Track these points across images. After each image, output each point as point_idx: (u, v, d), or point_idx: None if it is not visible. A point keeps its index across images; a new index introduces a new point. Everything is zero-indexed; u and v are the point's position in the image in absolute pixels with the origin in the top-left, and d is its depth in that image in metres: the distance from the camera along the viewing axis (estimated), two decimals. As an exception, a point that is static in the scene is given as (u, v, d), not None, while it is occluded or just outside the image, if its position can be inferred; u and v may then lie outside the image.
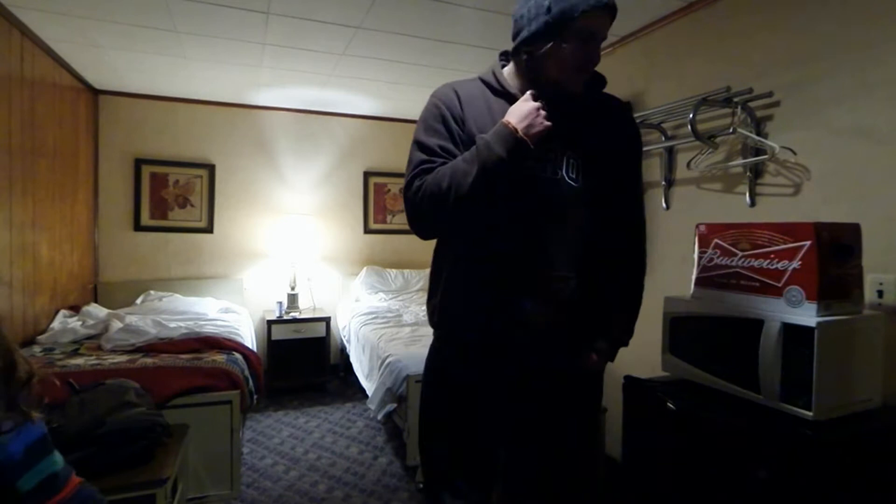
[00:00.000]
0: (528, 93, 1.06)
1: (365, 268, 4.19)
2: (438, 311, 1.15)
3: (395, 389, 2.56)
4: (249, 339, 3.27)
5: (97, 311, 3.12)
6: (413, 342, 3.02)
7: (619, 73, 2.54)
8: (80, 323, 2.93)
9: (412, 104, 3.86)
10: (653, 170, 2.38)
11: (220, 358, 2.52)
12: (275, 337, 3.70)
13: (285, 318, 3.76)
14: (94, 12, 2.33)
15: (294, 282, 3.93)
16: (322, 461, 2.67)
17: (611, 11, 1.05)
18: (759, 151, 1.84)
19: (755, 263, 1.41)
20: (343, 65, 3.02)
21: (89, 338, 2.82)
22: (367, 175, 4.37)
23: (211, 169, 3.90)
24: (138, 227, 3.74)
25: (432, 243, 1.22)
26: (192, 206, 3.87)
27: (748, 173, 1.89)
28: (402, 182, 1.35)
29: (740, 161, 1.91)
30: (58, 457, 0.87)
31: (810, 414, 1.22)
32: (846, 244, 1.33)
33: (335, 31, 2.52)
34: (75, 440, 1.55)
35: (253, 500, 2.29)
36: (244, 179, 4.02)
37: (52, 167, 2.88)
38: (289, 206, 4.12)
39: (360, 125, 4.33)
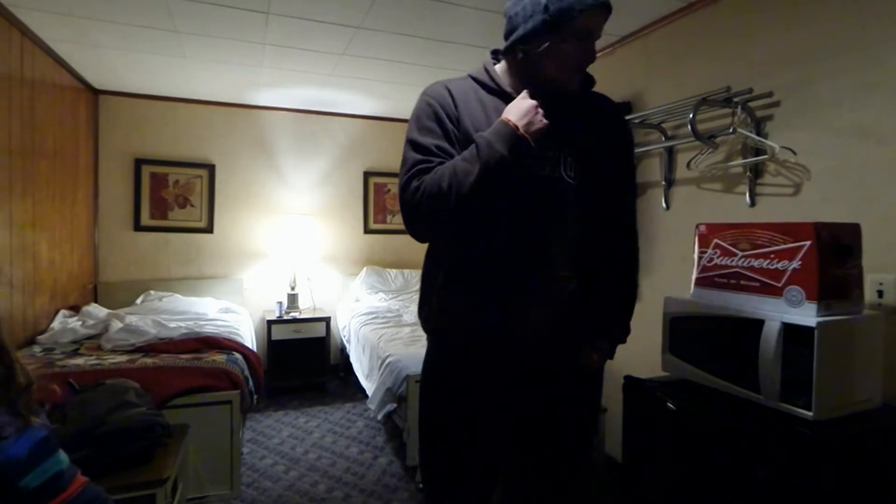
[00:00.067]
0: (525, 92, 1.06)
1: (365, 268, 4.19)
2: (436, 313, 1.13)
3: (395, 389, 2.56)
4: (249, 339, 3.27)
5: (97, 311, 3.12)
6: (413, 342, 3.02)
7: (619, 73, 2.54)
8: (80, 323, 2.93)
9: (412, 104, 3.77)
10: (653, 170, 2.39)
11: (220, 358, 2.52)
12: (275, 337, 3.69)
13: (285, 318, 3.75)
14: (94, 12, 2.33)
15: (294, 282, 3.94)
16: (322, 461, 2.67)
17: (607, 10, 1.05)
18: (759, 151, 1.84)
19: (755, 263, 1.41)
20: (343, 65, 3.02)
21: (89, 338, 2.82)
22: (367, 175, 4.37)
23: (211, 169, 3.90)
24: (138, 227, 3.74)
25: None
26: (192, 206, 3.87)
27: (748, 173, 1.89)
28: (402, 182, 1.33)
29: (740, 161, 1.91)
30: (63, 456, 0.87)
31: (810, 414, 1.22)
32: (846, 244, 1.33)
33: (335, 31, 2.52)
34: (75, 440, 1.55)
35: (253, 500, 2.29)
36: (244, 179, 4.02)
37: (52, 167, 2.88)
38: (289, 206, 4.12)
39: (360, 125, 4.33)
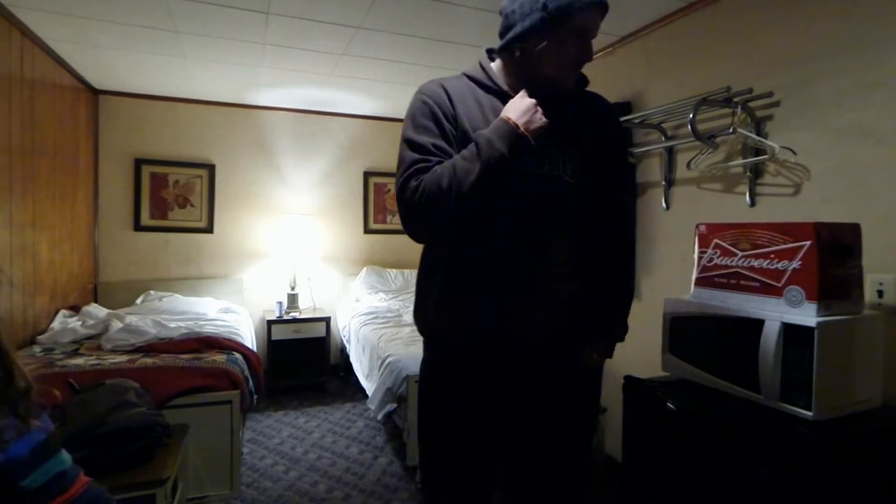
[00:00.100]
0: (523, 91, 1.06)
1: (365, 268, 4.19)
2: (435, 315, 1.12)
3: (395, 389, 2.56)
4: (249, 339, 3.27)
5: (97, 311, 3.12)
6: (413, 342, 3.02)
7: (619, 73, 2.54)
8: (80, 323, 2.93)
9: (412, 104, 3.85)
10: (653, 170, 2.39)
11: (220, 358, 2.52)
12: (275, 337, 3.69)
13: (285, 318, 3.75)
14: (94, 12, 2.33)
15: (294, 282, 3.94)
16: (322, 461, 2.67)
17: (604, 9, 1.05)
18: (759, 151, 1.84)
19: (755, 263, 1.41)
20: (343, 65, 3.02)
21: (89, 338, 2.82)
22: (367, 175, 4.37)
23: (211, 169, 3.90)
24: (138, 227, 3.74)
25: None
26: (192, 206, 3.87)
27: (748, 173, 1.89)
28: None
29: (740, 161, 1.91)
30: (65, 456, 0.87)
31: (810, 414, 1.22)
32: (846, 244, 1.33)
33: (335, 31, 2.52)
34: (75, 440, 1.55)
35: (253, 500, 2.29)
36: (244, 179, 4.02)
37: (52, 167, 2.88)
38: (289, 206, 4.12)
39: (360, 125, 4.33)
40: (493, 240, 1.07)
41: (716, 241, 1.53)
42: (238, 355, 2.68)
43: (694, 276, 1.61)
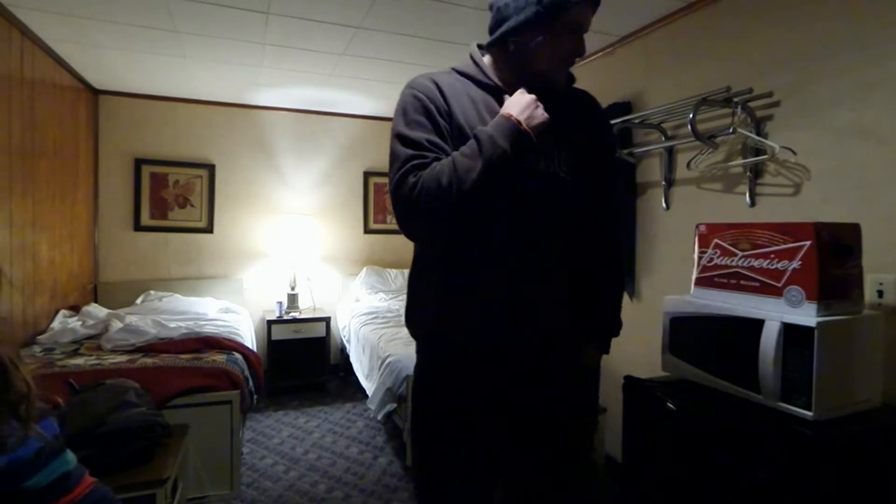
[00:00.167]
0: (522, 88, 1.05)
1: (365, 268, 4.19)
2: (433, 316, 1.11)
3: (395, 389, 2.56)
4: (249, 339, 3.27)
5: (97, 311, 3.12)
6: (413, 342, 3.02)
7: (619, 73, 2.54)
8: (80, 323, 2.93)
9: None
10: (653, 170, 2.39)
11: (220, 358, 2.52)
12: (275, 337, 3.69)
13: (285, 318, 3.76)
14: (94, 12, 2.33)
15: (294, 282, 3.94)
16: (322, 461, 2.67)
17: (596, 3, 1.05)
18: (759, 151, 1.84)
19: (755, 263, 1.41)
20: (343, 65, 3.02)
21: (89, 338, 2.82)
22: (367, 175, 4.37)
23: (211, 169, 3.90)
24: (138, 227, 3.74)
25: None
26: (192, 206, 3.87)
27: (748, 173, 1.89)
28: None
29: (740, 161, 1.91)
30: (70, 456, 0.86)
31: (810, 414, 1.22)
32: (846, 244, 1.33)
33: (335, 31, 2.52)
34: (75, 440, 1.55)
35: (253, 500, 2.29)
36: (244, 179, 4.02)
37: (52, 167, 2.88)
38: (289, 206, 4.12)
39: (360, 125, 4.33)
40: (494, 238, 1.06)
41: (716, 241, 1.53)
42: (238, 355, 2.68)
43: (694, 276, 1.61)
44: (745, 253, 1.44)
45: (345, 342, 3.93)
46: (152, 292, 3.59)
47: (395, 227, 4.41)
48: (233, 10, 2.30)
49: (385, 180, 4.39)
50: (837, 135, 1.63)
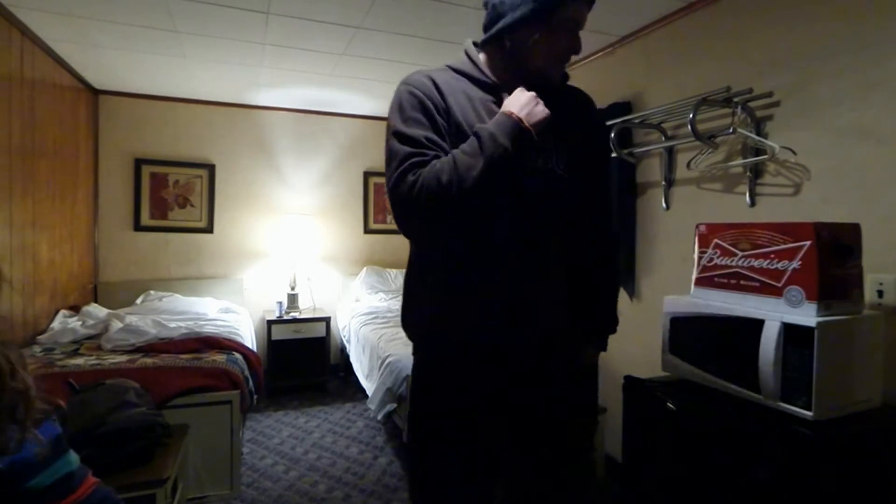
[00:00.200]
0: (521, 87, 1.05)
1: (365, 268, 4.19)
2: (432, 316, 1.10)
3: (395, 389, 2.56)
4: (249, 339, 3.27)
5: (97, 311, 3.12)
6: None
7: (619, 73, 2.54)
8: (80, 323, 2.93)
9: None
10: (653, 170, 2.39)
11: (220, 358, 2.52)
12: (275, 337, 3.70)
13: (285, 318, 3.76)
14: (94, 12, 2.33)
15: (294, 282, 3.94)
16: (322, 461, 2.67)
17: (592, 0, 1.06)
18: (759, 151, 1.84)
19: (755, 263, 1.41)
20: (343, 65, 3.02)
21: (89, 338, 2.82)
22: (367, 175, 4.37)
23: (211, 169, 3.90)
24: (138, 227, 3.74)
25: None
26: (192, 206, 3.87)
27: (748, 173, 1.89)
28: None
29: (740, 161, 1.91)
30: (73, 456, 0.86)
31: (810, 414, 1.22)
32: (846, 244, 1.33)
33: (335, 31, 2.52)
34: (75, 440, 1.55)
35: (253, 500, 2.29)
36: (244, 179, 4.02)
37: (52, 167, 2.88)
38: (289, 206, 4.12)
39: (360, 125, 4.33)
40: (494, 237, 1.05)
41: (716, 241, 1.53)
42: (238, 355, 2.68)
43: (694, 276, 1.61)
44: (745, 253, 1.44)
45: (345, 342, 3.93)
46: (152, 292, 3.59)
47: (395, 227, 4.39)
48: (233, 10, 2.30)
49: (385, 180, 4.39)
50: (837, 135, 1.63)
